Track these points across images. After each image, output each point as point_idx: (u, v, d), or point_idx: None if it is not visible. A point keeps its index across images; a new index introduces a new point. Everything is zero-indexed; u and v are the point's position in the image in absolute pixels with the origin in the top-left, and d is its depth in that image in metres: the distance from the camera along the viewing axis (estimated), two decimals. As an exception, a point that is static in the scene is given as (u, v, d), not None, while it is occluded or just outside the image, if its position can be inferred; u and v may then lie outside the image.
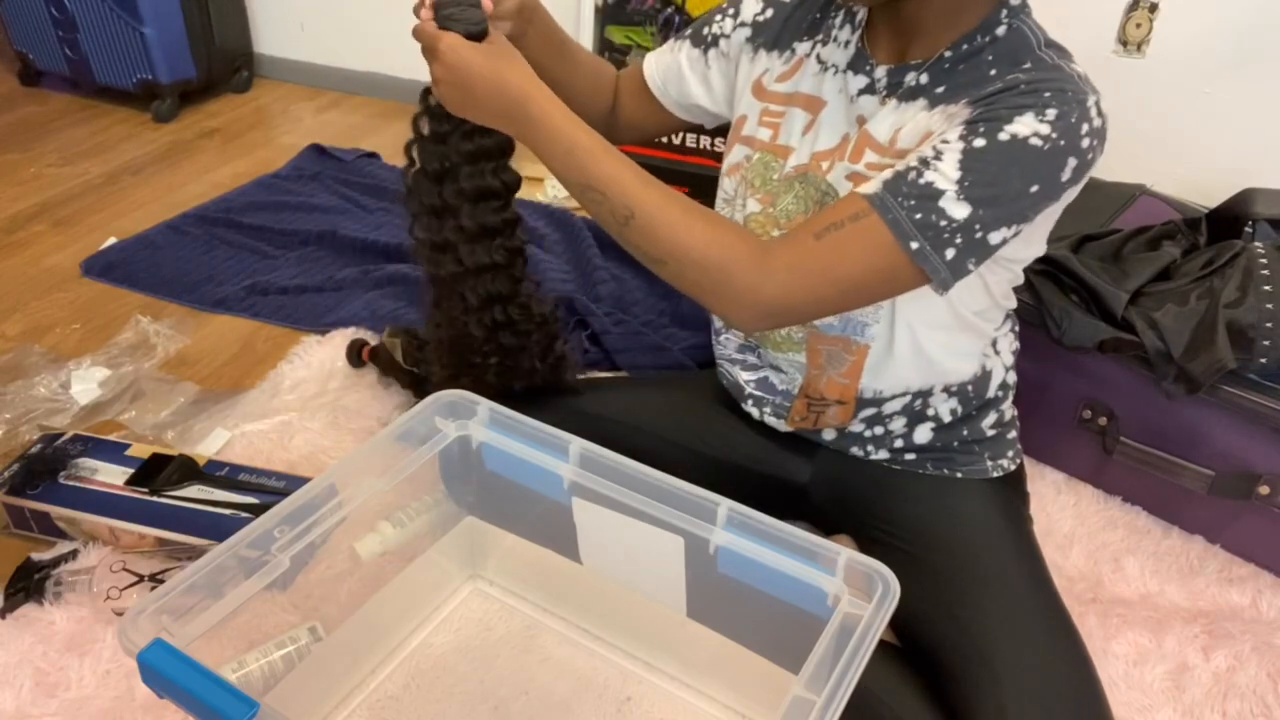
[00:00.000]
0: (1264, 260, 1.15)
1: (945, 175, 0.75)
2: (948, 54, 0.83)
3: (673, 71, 1.04)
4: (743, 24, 0.98)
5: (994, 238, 0.77)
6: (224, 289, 1.73)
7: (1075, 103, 0.76)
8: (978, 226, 0.76)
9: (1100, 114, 0.77)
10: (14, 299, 1.70)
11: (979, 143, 0.75)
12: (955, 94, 0.81)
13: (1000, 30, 0.82)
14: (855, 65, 0.89)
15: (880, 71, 0.87)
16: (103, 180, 2.16)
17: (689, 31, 1.03)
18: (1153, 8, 1.78)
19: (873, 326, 0.92)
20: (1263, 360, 1.11)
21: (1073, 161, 0.76)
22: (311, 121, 2.55)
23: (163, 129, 2.45)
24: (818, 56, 0.93)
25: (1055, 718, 0.79)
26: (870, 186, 0.78)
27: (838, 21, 0.92)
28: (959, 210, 0.75)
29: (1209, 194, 1.46)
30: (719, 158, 1.72)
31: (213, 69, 2.55)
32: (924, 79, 0.84)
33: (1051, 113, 0.75)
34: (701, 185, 1.33)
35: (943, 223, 0.76)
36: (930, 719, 0.84)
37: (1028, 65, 0.79)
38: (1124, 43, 1.83)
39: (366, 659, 1.01)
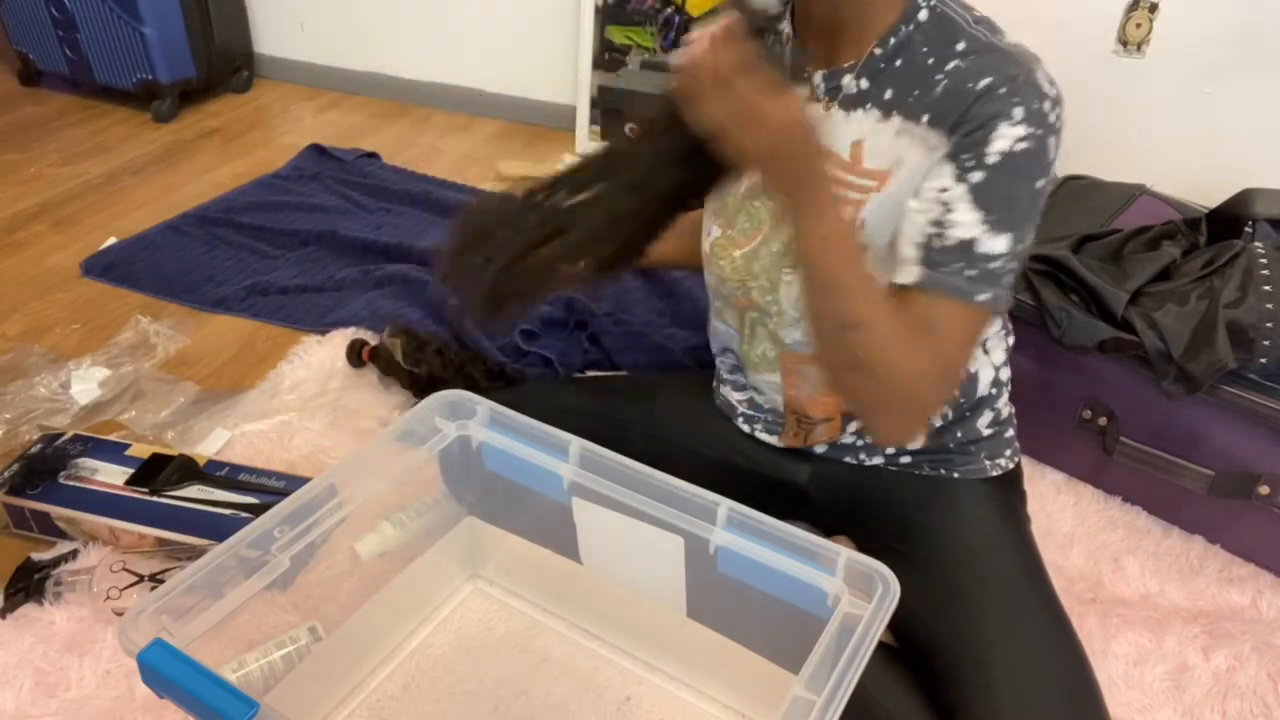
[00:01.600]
0: (1264, 260, 1.15)
1: (967, 223, 0.77)
2: (878, 51, 0.83)
3: None
4: None
5: (1030, 240, 0.80)
6: (224, 289, 1.73)
7: (1029, 86, 0.76)
8: (1020, 246, 0.79)
9: (1051, 81, 0.78)
10: (14, 299, 1.70)
11: (977, 177, 0.77)
12: (904, 97, 0.82)
13: (922, 15, 0.82)
14: (794, 76, 0.89)
15: (816, 78, 0.87)
16: (103, 180, 2.17)
17: None
18: (1153, 8, 1.78)
19: None
20: (1263, 360, 1.11)
21: (1053, 141, 0.78)
22: (311, 121, 2.55)
23: (163, 129, 2.45)
24: None
25: None
26: (910, 276, 0.80)
27: (768, 42, 0.92)
28: (999, 244, 0.77)
29: (1209, 194, 1.46)
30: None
31: (213, 69, 2.55)
32: (864, 83, 0.84)
33: (1019, 112, 0.75)
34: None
35: (993, 264, 0.78)
36: (928, 721, 0.84)
37: (961, 46, 0.79)
38: (1124, 43, 1.83)
39: (366, 659, 1.01)
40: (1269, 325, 1.11)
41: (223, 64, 2.59)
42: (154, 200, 2.08)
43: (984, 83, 0.77)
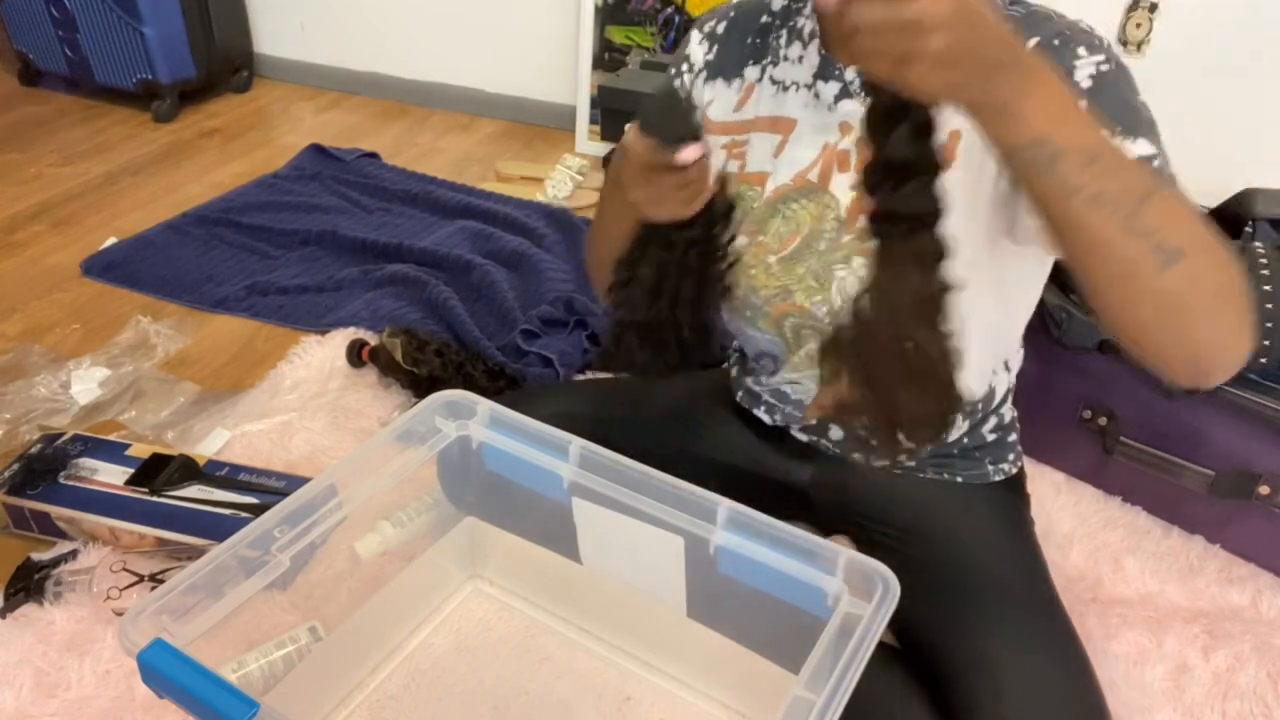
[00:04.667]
0: (1264, 260, 1.15)
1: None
2: None
3: None
4: (698, 71, 0.95)
5: (1165, 152, 0.74)
6: (224, 289, 1.74)
7: (1082, 33, 0.75)
8: (1162, 148, 0.74)
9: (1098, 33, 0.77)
10: (14, 299, 1.70)
11: (1082, 105, 0.71)
12: None
13: None
14: (823, 73, 0.86)
15: (851, 73, 0.85)
16: (103, 180, 2.17)
17: None
18: (1153, 8, 1.78)
19: None
20: (1263, 360, 1.11)
21: (1129, 72, 0.75)
22: (311, 121, 2.55)
23: (163, 129, 2.45)
24: (770, 79, 0.91)
25: None
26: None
27: (783, 40, 0.90)
28: (1143, 148, 0.72)
29: (1209, 194, 1.45)
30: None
31: (213, 69, 2.56)
32: None
33: (1083, 50, 0.74)
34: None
35: (1154, 165, 0.72)
36: (929, 721, 0.84)
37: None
38: (1124, 43, 1.83)
39: (366, 659, 1.01)
40: (1269, 325, 1.11)
41: (223, 64, 2.60)
42: (154, 200, 2.08)
43: (1032, 43, 0.75)
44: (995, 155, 0.65)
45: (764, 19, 0.92)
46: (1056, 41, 0.75)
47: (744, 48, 0.93)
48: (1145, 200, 0.62)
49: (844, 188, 0.86)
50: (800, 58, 0.88)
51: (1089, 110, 0.71)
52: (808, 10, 0.88)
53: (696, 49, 0.96)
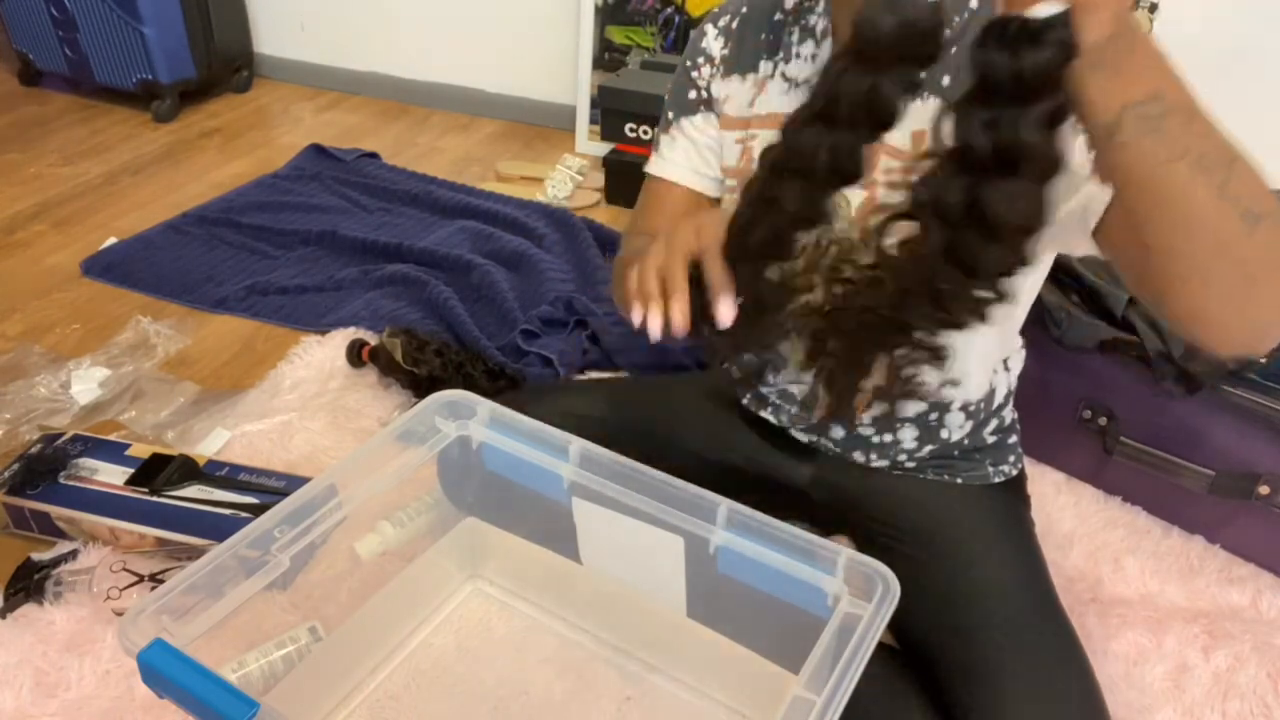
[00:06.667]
0: (1264, 260, 1.15)
1: None
2: None
3: (708, 150, 0.98)
4: (716, 66, 0.95)
5: None
6: (224, 289, 1.74)
7: None
8: None
9: None
10: (14, 299, 1.70)
11: None
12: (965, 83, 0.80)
13: (974, 3, 0.81)
14: None
15: None
16: (103, 180, 2.17)
17: (673, 113, 0.98)
18: (1153, 8, 1.78)
19: None
20: (1263, 360, 1.11)
21: None
22: (311, 121, 2.55)
23: (163, 129, 2.45)
24: (782, 75, 0.90)
25: None
26: None
27: (795, 38, 0.89)
28: None
29: (1209, 194, 1.46)
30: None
31: (213, 69, 2.56)
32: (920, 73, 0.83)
33: None
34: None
35: None
36: (929, 722, 0.84)
37: None
38: (1124, 43, 1.83)
39: (366, 659, 1.01)
40: (1269, 325, 1.11)
41: (223, 64, 2.59)
42: (154, 200, 2.08)
43: None
44: (1092, 127, 0.58)
45: (777, 15, 0.92)
46: None
47: (757, 42, 0.93)
48: (1235, 162, 0.58)
49: (854, 188, 0.86)
50: (813, 55, 0.88)
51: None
52: (820, 8, 0.87)
53: (713, 44, 0.95)
